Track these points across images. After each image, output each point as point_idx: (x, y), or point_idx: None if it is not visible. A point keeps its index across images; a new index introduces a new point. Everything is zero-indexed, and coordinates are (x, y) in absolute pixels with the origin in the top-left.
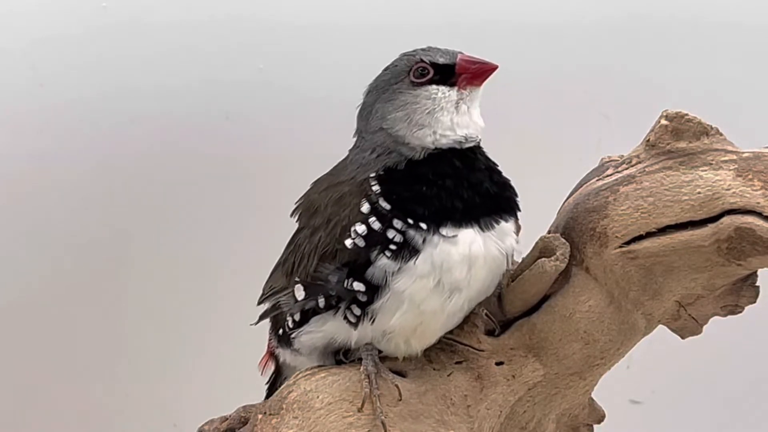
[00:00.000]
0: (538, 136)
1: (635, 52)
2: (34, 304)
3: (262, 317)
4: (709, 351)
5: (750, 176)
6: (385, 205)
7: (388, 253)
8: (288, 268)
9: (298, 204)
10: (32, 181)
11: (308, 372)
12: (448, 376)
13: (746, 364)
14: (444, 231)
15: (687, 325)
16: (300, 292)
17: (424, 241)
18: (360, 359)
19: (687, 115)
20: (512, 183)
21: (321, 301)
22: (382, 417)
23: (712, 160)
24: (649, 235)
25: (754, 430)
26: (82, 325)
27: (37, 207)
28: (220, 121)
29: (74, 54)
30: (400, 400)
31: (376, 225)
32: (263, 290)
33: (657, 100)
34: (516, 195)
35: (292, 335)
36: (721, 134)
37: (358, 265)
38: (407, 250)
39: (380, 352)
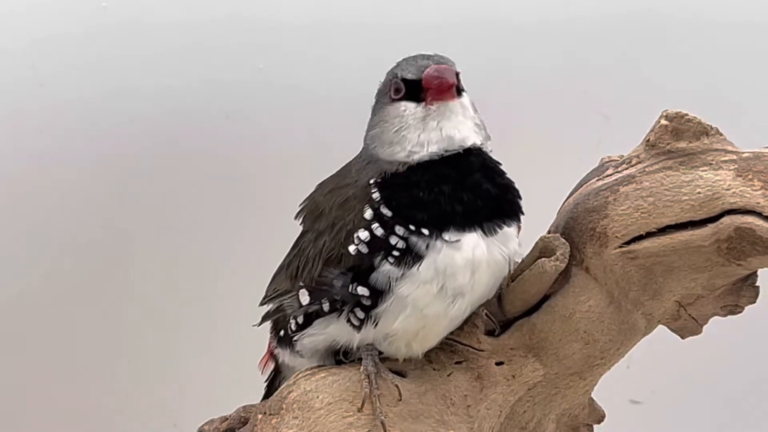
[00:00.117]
0: (538, 136)
1: (635, 52)
2: (33, 304)
3: (264, 318)
4: (709, 351)
5: (750, 176)
6: (387, 212)
7: (391, 260)
8: (292, 271)
9: (302, 206)
10: (32, 181)
11: (308, 372)
12: (448, 376)
13: (746, 365)
14: (447, 236)
15: (687, 325)
16: (305, 297)
17: (427, 246)
18: (360, 359)
19: (687, 115)
20: (515, 186)
21: (326, 306)
22: (382, 417)
23: (712, 160)
24: (649, 235)
25: (754, 430)
26: (82, 325)
27: (37, 207)
28: (220, 121)
29: (74, 54)
30: (400, 400)
31: (379, 231)
32: (266, 292)
33: (657, 100)
34: (519, 197)
35: (294, 338)
36: (721, 134)
37: (362, 270)
38: (410, 256)
39: (381, 353)
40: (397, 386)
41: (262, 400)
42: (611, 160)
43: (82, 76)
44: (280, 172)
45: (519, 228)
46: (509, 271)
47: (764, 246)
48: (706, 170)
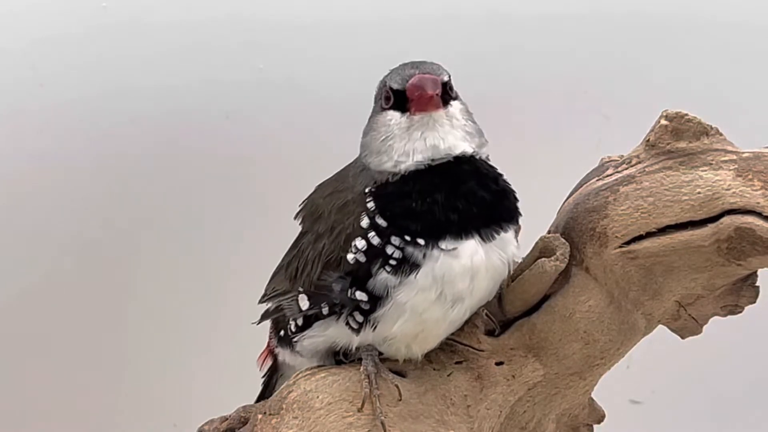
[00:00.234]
0: (538, 136)
1: (635, 52)
2: (33, 304)
3: (264, 317)
4: (709, 351)
5: (750, 176)
6: (382, 222)
7: (388, 268)
8: (291, 272)
9: (301, 207)
10: (32, 181)
11: (308, 372)
12: (448, 376)
13: (746, 365)
14: (443, 245)
15: (687, 325)
16: (304, 302)
17: (424, 256)
18: (360, 359)
19: (687, 115)
20: (513, 188)
21: (325, 310)
22: (382, 417)
23: (712, 160)
24: (649, 235)
25: (753, 430)
26: (82, 326)
27: (37, 207)
28: (220, 121)
29: (74, 54)
30: (400, 400)
31: (375, 240)
32: (266, 290)
33: (657, 100)
34: (516, 200)
35: (294, 339)
36: (721, 134)
37: (359, 275)
38: (407, 265)
39: (381, 353)
40: (397, 386)
41: (258, 396)
42: (611, 160)
43: (82, 76)
44: (280, 172)
45: (518, 230)
46: (509, 273)
47: (764, 246)
48: (706, 170)
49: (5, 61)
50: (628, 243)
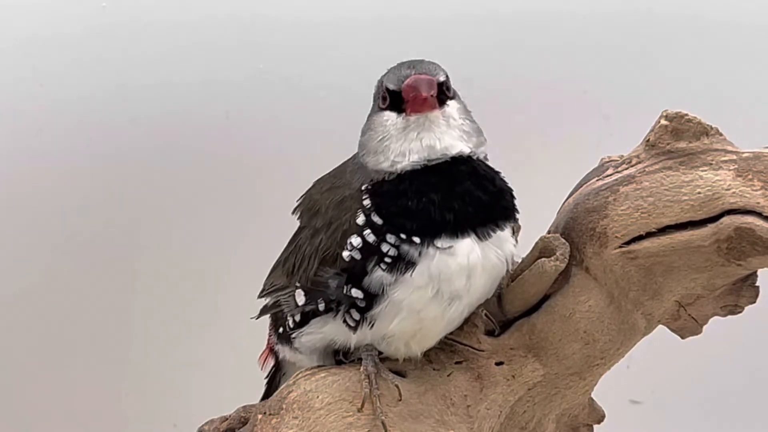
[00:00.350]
0: (538, 136)
1: (635, 52)
2: (33, 304)
3: (262, 312)
4: (709, 351)
5: (750, 176)
6: (378, 220)
7: (383, 266)
8: (289, 267)
9: (299, 202)
10: (32, 180)
11: (308, 372)
12: (448, 376)
13: (746, 365)
14: (439, 243)
15: (687, 325)
16: (300, 297)
17: (420, 254)
18: (360, 359)
19: (687, 115)
20: (510, 188)
21: (321, 306)
22: (382, 417)
23: (712, 160)
24: (649, 235)
25: (753, 430)
26: (82, 326)
27: (37, 207)
28: (220, 120)
29: (74, 54)
30: (400, 400)
31: (371, 238)
32: (264, 286)
33: (657, 100)
34: (513, 199)
35: (293, 335)
36: (721, 134)
37: (355, 273)
38: (402, 263)
39: (380, 353)
40: (397, 386)
41: (262, 396)
42: (611, 160)
43: (82, 76)
44: (280, 172)
45: (518, 229)
46: (508, 271)
47: (764, 246)
48: (706, 170)
49: (5, 61)
50: (628, 243)
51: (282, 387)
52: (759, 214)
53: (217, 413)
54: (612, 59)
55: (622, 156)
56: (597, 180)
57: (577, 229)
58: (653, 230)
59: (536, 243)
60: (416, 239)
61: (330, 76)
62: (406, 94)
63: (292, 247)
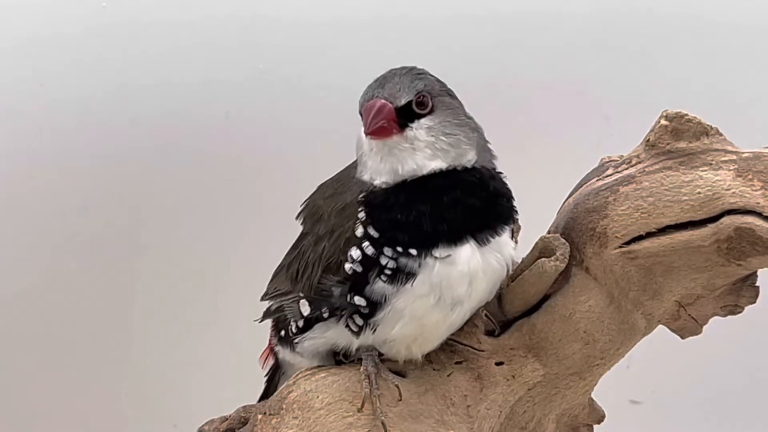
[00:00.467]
0: (538, 136)
1: (635, 52)
2: (33, 304)
3: (265, 316)
4: (709, 351)
5: (750, 176)
6: (374, 233)
7: (384, 278)
8: (292, 273)
9: (303, 207)
10: (32, 180)
11: (308, 372)
12: (448, 376)
13: (746, 365)
14: (437, 253)
15: (687, 325)
16: (305, 308)
17: (419, 265)
18: (360, 359)
19: (687, 115)
20: (507, 190)
21: (325, 314)
22: (382, 417)
23: (712, 160)
24: (649, 235)
25: (753, 430)
26: (82, 326)
27: (37, 207)
28: (220, 120)
29: (74, 54)
30: (400, 400)
31: (370, 250)
32: (267, 289)
33: (657, 100)
34: (511, 201)
35: (295, 340)
36: (721, 134)
37: (357, 282)
38: (403, 274)
39: (381, 354)
40: (397, 386)
41: (261, 395)
42: (611, 160)
43: (82, 76)
44: (280, 172)
45: (518, 229)
46: (507, 273)
47: (764, 246)
48: (706, 170)
49: (5, 61)
50: (628, 243)
51: (282, 387)
52: (759, 214)
53: (217, 413)
54: (612, 59)
55: (622, 156)
56: (597, 180)
57: (577, 229)
58: (653, 230)
59: (536, 243)
60: (413, 251)
61: (330, 76)
62: (364, 120)
63: (295, 252)
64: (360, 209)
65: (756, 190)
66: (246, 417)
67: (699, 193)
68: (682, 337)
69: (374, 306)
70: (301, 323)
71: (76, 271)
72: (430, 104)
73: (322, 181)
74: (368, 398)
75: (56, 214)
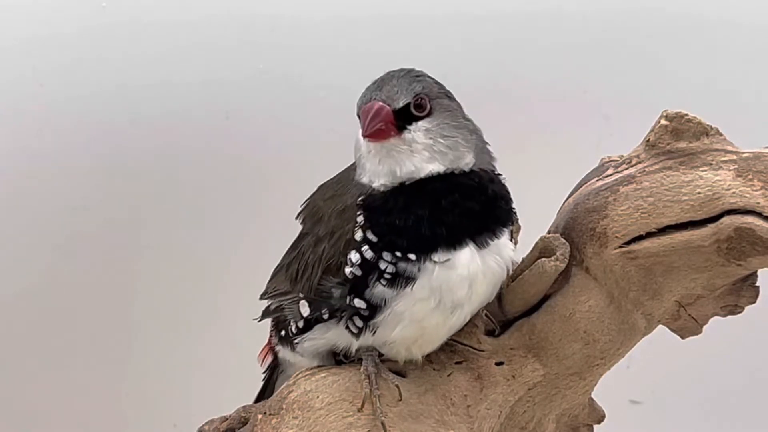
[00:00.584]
0: (538, 136)
1: (636, 52)
2: (33, 304)
3: (265, 315)
4: (709, 351)
5: (750, 176)
6: (373, 237)
7: (383, 282)
8: (292, 273)
9: (303, 207)
10: (32, 180)
11: (308, 372)
12: (448, 376)
13: (746, 365)
14: (436, 257)
15: (687, 325)
16: (305, 309)
17: (418, 269)
18: (360, 359)
19: (687, 115)
20: (505, 192)
21: (325, 315)
22: (382, 417)
23: (712, 160)
24: (649, 235)
25: (753, 430)
26: (82, 325)
27: (37, 207)
28: (220, 121)
29: (74, 53)
30: (400, 400)
31: (369, 254)
32: (267, 288)
33: (657, 100)
34: (510, 203)
35: (295, 341)
36: (721, 134)
37: (357, 285)
38: (402, 279)
39: (381, 354)
40: (397, 386)
41: (259, 392)
42: (611, 160)
43: (82, 76)
44: (280, 172)
45: (517, 229)
46: (507, 275)
47: (764, 246)
48: (706, 170)
49: (5, 61)
50: (628, 243)
51: (282, 387)
52: (759, 214)
53: (217, 413)
54: (612, 59)
55: (622, 156)
56: (597, 180)
57: (577, 229)
58: (653, 230)
59: (536, 243)
60: (412, 256)
61: (330, 76)
62: (362, 122)
63: (295, 252)
64: (359, 213)
65: (756, 190)
66: (246, 417)
67: (699, 193)
68: (682, 337)
69: (374, 309)
70: (300, 324)
71: (76, 271)
72: (429, 106)
73: (323, 182)
74: (368, 398)
75: (56, 214)
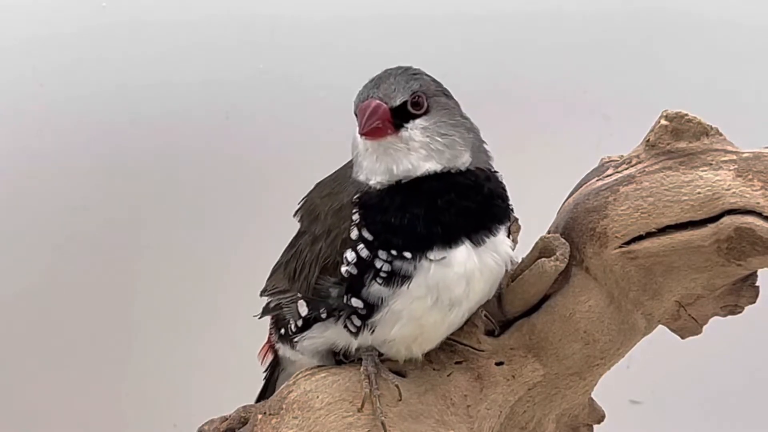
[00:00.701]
0: (538, 136)
1: (636, 52)
2: (33, 304)
3: (264, 313)
4: (709, 351)
5: (750, 176)
6: (368, 236)
7: (379, 280)
8: (290, 272)
9: (300, 205)
10: (32, 180)
11: (308, 372)
12: (448, 376)
13: (746, 365)
14: (432, 255)
15: (687, 325)
16: (303, 308)
17: (414, 268)
18: (360, 359)
19: (687, 115)
20: (501, 190)
21: (323, 314)
22: (382, 417)
23: (712, 160)
24: (649, 235)
25: (753, 430)
26: (82, 326)
27: (37, 207)
28: (220, 121)
29: (74, 53)
30: (400, 400)
31: (364, 253)
32: (266, 285)
33: (657, 100)
34: (506, 200)
35: (295, 339)
36: (721, 134)
37: (353, 284)
38: (398, 277)
39: (381, 354)
40: (397, 386)
41: (260, 390)
42: (611, 160)
43: (83, 76)
44: (280, 172)
45: (516, 229)
46: (506, 272)
47: (764, 246)
48: (706, 170)
49: (5, 61)
50: (628, 243)
51: (282, 387)
52: (759, 214)
53: (217, 413)
54: (612, 59)
55: (622, 156)
56: (597, 180)
57: (577, 229)
58: (653, 230)
59: (536, 243)
60: (407, 254)
61: (330, 76)
62: (359, 120)
63: (293, 251)
64: (354, 211)
65: (756, 190)
66: (246, 417)
67: (699, 193)
68: (682, 337)
69: (371, 308)
70: (299, 323)
71: (76, 271)
72: (426, 104)
73: (320, 179)
74: (368, 398)
75: (56, 214)
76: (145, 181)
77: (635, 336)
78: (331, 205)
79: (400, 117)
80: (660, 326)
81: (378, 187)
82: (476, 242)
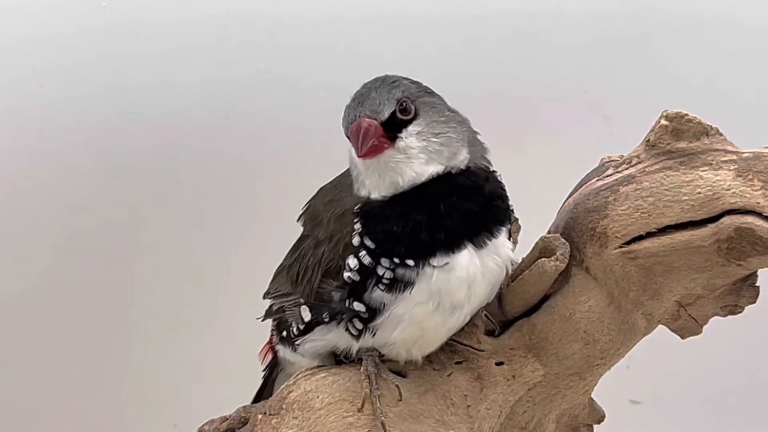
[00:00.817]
0: (538, 136)
1: (635, 52)
2: (33, 304)
3: (267, 315)
4: (709, 351)
5: (750, 176)
6: (371, 244)
7: (381, 287)
8: (293, 276)
9: (304, 209)
10: (32, 180)
11: (308, 372)
12: (448, 376)
13: (746, 365)
14: (434, 261)
15: (687, 325)
16: (306, 314)
17: (417, 274)
18: (360, 359)
19: (687, 115)
20: (501, 191)
21: (326, 318)
22: (382, 417)
23: (712, 160)
24: (649, 235)
25: (753, 430)
26: (82, 326)
27: (37, 207)
28: (220, 121)
29: (74, 53)
30: (401, 400)
31: (367, 260)
32: (269, 288)
33: (657, 100)
34: (506, 201)
35: (296, 342)
36: (721, 134)
37: (355, 289)
38: (400, 283)
39: (381, 354)
40: (397, 386)
41: (258, 390)
42: (611, 160)
43: (82, 76)
44: (280, 172)
45: (517, 229)
46: (507, 273)
47: (764, 246)
48: (706, 170)
49: (5, 61)
50: (628, 243)
51: (282, 387)
52: (759, 214)
53: (217, 413)
54: (612, 59)
55: (622, 156)
56: (597, 180)
57: (577, 229)
58: (653, 230)
59: (536, 243)
60: (410, 262)
61: (330, 76)
62: (353, 143)
63: (296, 254)
64: (356, 220)
65: (756, 190)
66: (246, 417)
67: (699, 193)
68: (682, 337)
69: (373, 312)
70: (302, 326)
71: (76, 271)
72: (413, 108)
73: (323, 185)
74: (368, 398)
75: (56, 214)
76: (145, 181)
77: (635, 336)
78: (333, 211)
79: (392, 128)
80: (660, 326)
81: (381, 199)
82: (478, 245)
